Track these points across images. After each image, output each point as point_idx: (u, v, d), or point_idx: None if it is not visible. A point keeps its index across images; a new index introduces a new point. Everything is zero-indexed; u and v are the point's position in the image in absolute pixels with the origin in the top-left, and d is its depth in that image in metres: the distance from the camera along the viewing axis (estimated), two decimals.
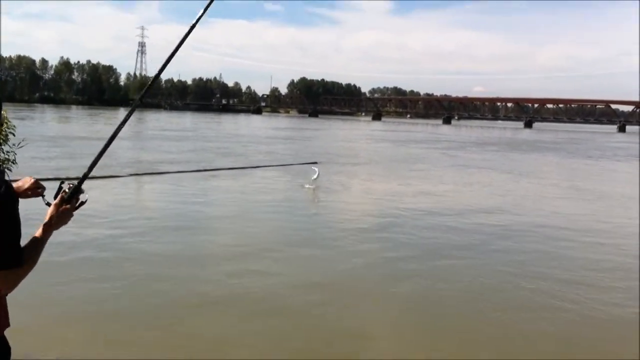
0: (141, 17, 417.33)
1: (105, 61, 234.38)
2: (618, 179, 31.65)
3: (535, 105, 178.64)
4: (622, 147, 66.88)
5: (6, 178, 2.53)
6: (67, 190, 2.66)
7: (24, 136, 11.35)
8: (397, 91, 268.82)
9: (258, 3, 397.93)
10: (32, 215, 3.09)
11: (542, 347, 7.54)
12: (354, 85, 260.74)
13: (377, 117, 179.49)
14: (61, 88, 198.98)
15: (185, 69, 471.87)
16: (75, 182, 2.72)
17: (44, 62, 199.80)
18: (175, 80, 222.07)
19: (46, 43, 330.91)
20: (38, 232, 2.62)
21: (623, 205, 20.67)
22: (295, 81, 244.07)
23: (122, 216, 14.60)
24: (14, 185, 2.71)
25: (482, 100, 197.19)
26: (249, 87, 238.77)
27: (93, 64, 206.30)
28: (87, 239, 11.65)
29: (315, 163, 30.05)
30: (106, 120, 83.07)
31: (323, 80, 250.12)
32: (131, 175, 22.14)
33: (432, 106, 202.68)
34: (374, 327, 8.09)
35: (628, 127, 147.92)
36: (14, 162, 10.21)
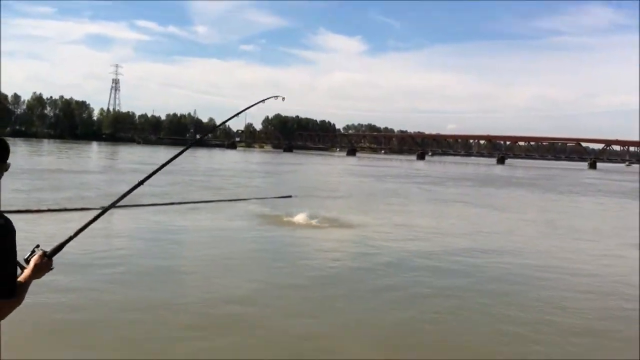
0: (116, 55, 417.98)
1: (77, 97, 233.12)
2: (594, 215, 31.85)
3: (508, 143, 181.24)
4: (596, 183, 67.80)
5: None
6: (39, 252, 2.93)
7: None
8: (371, 128, 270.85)
9: (232, 44, 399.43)
10: None
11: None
12: (329, 122, 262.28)
13: (351, 152, 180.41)
14: (33, 122, 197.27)
15: (159, 106, 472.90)
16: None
17: (16, 97, 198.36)
18: (149, 115, 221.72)
19: (17, 79, 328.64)
20: (23, 276, 2.82)
21: (601, 240, 20.70)
22: (270, 117, 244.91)
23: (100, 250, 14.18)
24: None
25: (455, 137, 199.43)
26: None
27: (66, 99, 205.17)
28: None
29: (290, 197, 29.87)
30: (78, 153, 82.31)
31: (297, 116, 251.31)
32: (110, 207, 21.65)
33: (406, 142, 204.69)
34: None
35: (599, 164, 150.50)
36: None
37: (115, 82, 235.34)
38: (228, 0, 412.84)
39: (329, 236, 18.55)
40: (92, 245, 13.25)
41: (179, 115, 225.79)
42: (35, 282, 2.87)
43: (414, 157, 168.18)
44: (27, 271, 2.83)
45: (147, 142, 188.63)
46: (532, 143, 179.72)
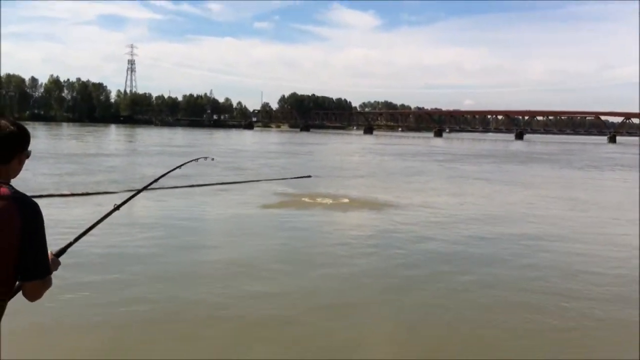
0: (130, 35, 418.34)
1: (94, 79, 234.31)
2: (617, 190, 31.64)
3: (526, 118, 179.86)
4: (616, 157, 67.28)
5: None
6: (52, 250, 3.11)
7: None
8: (388, 105, 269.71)
9: (246, 21, 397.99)
10: None
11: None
12: (345, 100, 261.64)
13: (368, 130, 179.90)
14: (51, 106, 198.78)
15: (175, 86, 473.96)
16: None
17: (33, 80, 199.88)
18: (166, 96, 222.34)
19: (33, 62, 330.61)
20: None
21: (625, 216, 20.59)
22: (285, 96, 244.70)
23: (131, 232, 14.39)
24: None
25: (473, 114, 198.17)
26: (239, 103, 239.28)
27: (83, 82, 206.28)
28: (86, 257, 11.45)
29: (309, 176, 29.95)
30: (99, 136, 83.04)
31: (314, 95, 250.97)
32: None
33: (423, 119, 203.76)
34: (375, 339, 7.92)
35: (618, 138, 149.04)
36: None
37: (131, 62, 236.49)
38: None
39: (352, 216, 18.60)
40: (112, 229, 13.39)
41: (195, 95, 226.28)
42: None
43: (431, 135, 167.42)
44: None
45: (164, 123, 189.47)
46: (550, 117, 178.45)
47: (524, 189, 28.47)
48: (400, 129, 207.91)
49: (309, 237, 14.79)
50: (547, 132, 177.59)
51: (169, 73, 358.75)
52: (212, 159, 6.92)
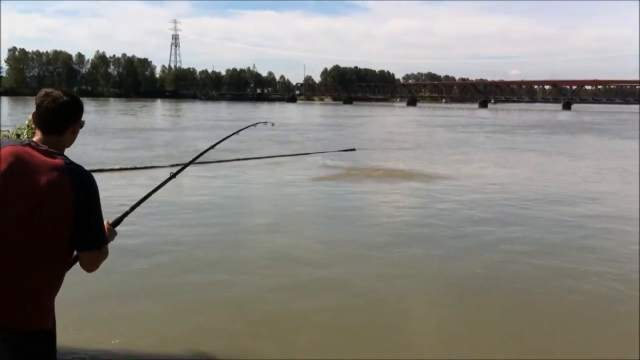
0: (173, 11, 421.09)
1: (139, 54, 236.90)
2: None
3: (573, 87, 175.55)
4: None
5: None
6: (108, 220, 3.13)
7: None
8: (432, 76, 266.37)
9: None
10: None
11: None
12: (388, 72, 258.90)
13: (412, 102, 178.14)
14: (98, 81, 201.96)
15: (218, 61, 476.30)
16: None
17: (80, 56, 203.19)
18: (210, 71, 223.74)
19: (80, 38, 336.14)
20: None
21: None
22: (328, 69, 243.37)
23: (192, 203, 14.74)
24: None
25: (519, 84, 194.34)
26: (282, 77, 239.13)
27: (128, 57, 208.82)
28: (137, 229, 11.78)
29: (354, 149, 29.92)
30: (149, 111, 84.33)
31: (356, 67, 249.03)
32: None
33: (467, 91, 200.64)
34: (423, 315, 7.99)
35: None
36: None
37: (175, 38, 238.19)
38: None
39: (402, 189, 18.61)
40: (161, 204, 13.64)
41: (238, 70, 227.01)
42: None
43: (475, 106, 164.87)
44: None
45: (209, 98, 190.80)
46: (599, 87, 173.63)
47: (576, 159, 28.01)
48: (444, 100, 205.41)
49: (357, 214, 14.49)
50: (595, 101, 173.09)
51: (212, 48, 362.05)
52: (272, 124, 6.90)
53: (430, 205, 15.45)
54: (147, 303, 7.78)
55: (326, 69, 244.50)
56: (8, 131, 10.81)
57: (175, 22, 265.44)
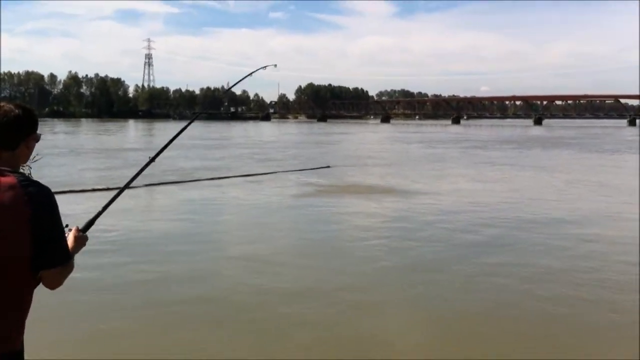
0: (146, 29, 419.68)
1: (112, 74, 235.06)
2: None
3: (544, 103, 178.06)
4: (638, 140, 66.34)
5: None
6: (73, 228, 2.99)
7: (40, 149, 11.35)
8: (405, 93, 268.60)
9: (261, 12, 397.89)
10: None
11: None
12: (361, 89, 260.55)
13: (385, 119, 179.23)
14: (70, 102, 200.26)
15: (192, 79, 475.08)
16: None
17: (52, 77, 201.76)
18: (184, 90, 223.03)
19: (52, 59, 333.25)
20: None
21: None
22: (302, 87, 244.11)
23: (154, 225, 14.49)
24: None
25: (491, 99, 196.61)
26: (256, 95, 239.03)
27: (101, 77, 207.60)
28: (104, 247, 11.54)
29: (328, 167, 29.86)
30: (121, 131, 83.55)
31: (330, 85, 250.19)
32: (125, 187, 21.95)
33: (440, 107, 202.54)
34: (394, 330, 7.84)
35: (638, 121, 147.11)
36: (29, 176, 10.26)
37: (148, 57, 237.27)
38: None
39: (376, 205, 18.51)
40: (138, 219, 13.45)
41: (212, 88, 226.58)
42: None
43: (448, 122, 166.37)
44: (69, 242, 2.86)
45: (182, 117, 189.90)
46: (569, 102, 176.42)
47: (549, 173, 28.21)
48: (417, 117, 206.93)
49: (331, 229, 14.49)
50: (566, 116, 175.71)
51: (186, 66, 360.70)
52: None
53: (411, 222, 15.34)
54: (120, 323, 7.60)
55: (300, 86, 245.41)
56: None
57: (148, 40, 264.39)
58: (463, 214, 16.40)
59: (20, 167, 2.82)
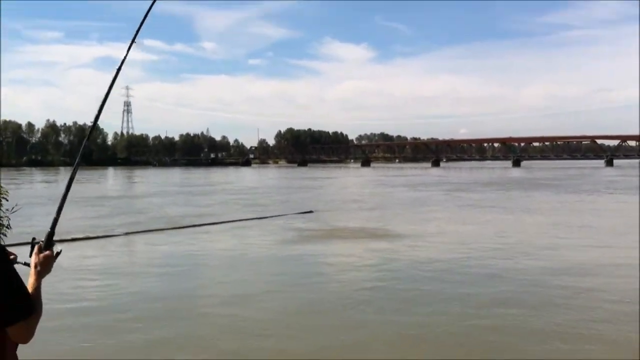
0: (125, 77, 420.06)
1: (91, 122, 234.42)
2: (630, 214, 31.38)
3: (522, 144, 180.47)
4: (618, 180, 67.16)
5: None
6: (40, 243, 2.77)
7: (19, 199, 11.15)
8: (384, 137, 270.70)
9: (240, 58, 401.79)
10: None
11: None
12: (341, 133, 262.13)
13: (366, 163, 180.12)
14: (48, 150, 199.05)
15: (171, 126, 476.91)
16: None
17: (30, 125, 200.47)
18: (163, 137, 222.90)
19: (30, 108, 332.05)
20: (30, 283, 2.69)
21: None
22: (282, 132, 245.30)
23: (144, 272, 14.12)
24: None
25: (469, 142, 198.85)
26: (236, 140, 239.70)
27: (80, 125, 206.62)
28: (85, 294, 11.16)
29: (311, 212, 29.73)
30: (100, 180, 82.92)
31: (310, 129, 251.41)
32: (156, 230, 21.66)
33: (419, 150, 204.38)
34: None
35: (615, 161, 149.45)
36: (8, 227, 9.98)
37: (127, 104, 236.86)
38: (233, 14, 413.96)
39: (357, 250, 18.36)
40: (127, 266, 13.17)
41: (192, 135, 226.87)
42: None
43: (428, 165, 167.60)
44: (31, 278, 2.69)
45: (161, 164, 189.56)
46: (547, 143, 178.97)
47: (530, 216, 28.23)
48: (397, 160, 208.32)
49: (318, 281, 14.27)
50: (544, 157, 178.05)
51: (165, 113, 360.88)
52: None
53: (399, 265, 15.23)
54: None
55: (280, 131, 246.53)
56: None
57: (127, 88, 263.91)
58: (450, 261, 16.26)
59: None
